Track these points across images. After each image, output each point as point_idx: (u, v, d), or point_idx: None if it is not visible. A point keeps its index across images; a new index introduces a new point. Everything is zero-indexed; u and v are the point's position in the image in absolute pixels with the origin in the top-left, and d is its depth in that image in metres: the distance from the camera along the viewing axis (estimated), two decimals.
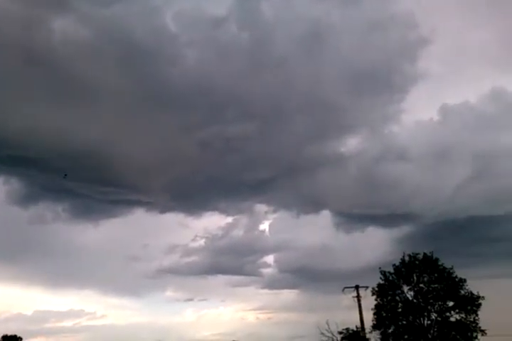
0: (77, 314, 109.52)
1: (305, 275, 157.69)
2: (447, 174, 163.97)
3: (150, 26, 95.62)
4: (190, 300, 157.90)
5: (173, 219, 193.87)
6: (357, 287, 40.51)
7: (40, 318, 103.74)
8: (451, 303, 34.94)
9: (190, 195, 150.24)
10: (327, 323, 38.15)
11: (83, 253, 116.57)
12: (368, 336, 38.26)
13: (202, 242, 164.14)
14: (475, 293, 34.82)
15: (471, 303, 34.44)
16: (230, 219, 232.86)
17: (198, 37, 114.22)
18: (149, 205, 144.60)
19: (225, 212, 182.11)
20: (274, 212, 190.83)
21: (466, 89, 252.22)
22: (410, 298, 35.88)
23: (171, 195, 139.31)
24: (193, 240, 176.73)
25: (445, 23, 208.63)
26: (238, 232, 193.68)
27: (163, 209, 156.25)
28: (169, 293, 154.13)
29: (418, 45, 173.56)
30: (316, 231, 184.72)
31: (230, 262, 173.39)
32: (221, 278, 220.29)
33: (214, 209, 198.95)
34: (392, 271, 37.14)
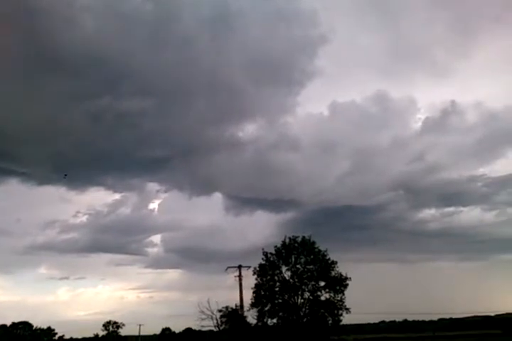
0: None
1: (191, 255, 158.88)
2: (330, 165, 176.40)
3: None
4: (66, 278, 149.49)
5: (52, 192, 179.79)
6: (239, 267, 42.05)
7: None
8: (322, 283, 37.95)
9: (74, 168, 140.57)
10: (208, 302, 38.99)
11: None
12: (245, 314, 40.04)
13: (84, 218, 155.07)
14: (344, 274, 38.13)
15: (340, 284, 37.67)
16: (117, 196, 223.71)
17: (96, 2, 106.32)
18: (25, 176, 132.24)
19: (112, 188, 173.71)
20: (166, 191, 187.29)
21: (354, 89, 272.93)
22: (287, 278, 38.24)
23: (52, 167, 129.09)
24: (75, 216, 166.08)
25: (343, 26, 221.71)
26: (125, 210, 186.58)
27: (42, 181, 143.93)
28: (43, 271, 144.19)
29: (318, 42, 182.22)
30: (206, 212, 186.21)
31: (114, 240, 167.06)
32: (103, 257, 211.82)
33: (100, 184, 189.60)
34: (273, 252, 39.07)
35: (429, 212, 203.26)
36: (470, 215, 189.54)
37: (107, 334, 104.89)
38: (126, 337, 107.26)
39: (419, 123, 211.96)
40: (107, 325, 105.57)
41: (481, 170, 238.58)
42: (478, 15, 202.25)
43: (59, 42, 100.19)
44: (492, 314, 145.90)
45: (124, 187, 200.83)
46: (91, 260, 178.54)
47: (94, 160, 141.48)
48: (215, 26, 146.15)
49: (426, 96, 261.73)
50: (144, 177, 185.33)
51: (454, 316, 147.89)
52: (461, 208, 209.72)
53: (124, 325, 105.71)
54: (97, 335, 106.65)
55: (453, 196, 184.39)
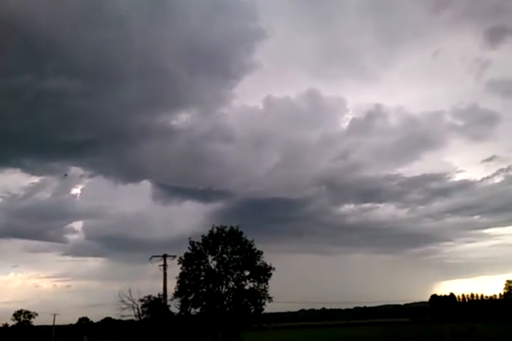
0: None
1: (115, 243, 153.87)
2: (261, 158, 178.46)
3: None
4: None
5: None
6: (164, 256, 41.30)
7: None
8: (247, 273, 38.26)
9: None
10: (129, 291, 37.86)
11: None
12: (169, 303, 39.45)
13: None
14: (268, 264, 38.69)
15: (264, 273, 38.21)
16: (35, 179, 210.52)
17: None
18: None
19: (30, 170, 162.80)
20: (90, 177, 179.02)
21: (289, 85, 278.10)
22: (213, 267, 38.13)
23: None
24: None
25: (281, 24, 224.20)
26: (45, 194, 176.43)
27: None
28: None
29: (256, 37, 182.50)
30: (133, 200, 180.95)
31: (31, 226, 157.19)
32: (16, 243, 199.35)
33: (16, 166, 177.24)
34: (200, 241, 38.74)
35: (348, 207, 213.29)
36: (385, 211, 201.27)
37: (17, 324, 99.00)
38: (39, 327, 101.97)
39: (347, 123, 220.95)
40: (17, 314, 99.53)
41: (398, 170, 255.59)
42: (401, 29, 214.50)
43: None
44: (402, 303, 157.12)
45: (43, 170, 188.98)
46: (3, 246, 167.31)
47: (11, 141, 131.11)
48: (151, 8, 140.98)
49: (354, 99, 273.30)
50: (67, 161, 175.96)
51: (367, 305, 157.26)
52: (378, 204, 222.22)
53: (37, 314, 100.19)
54: (6, 325, 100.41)
55: (371, 193, 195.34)
